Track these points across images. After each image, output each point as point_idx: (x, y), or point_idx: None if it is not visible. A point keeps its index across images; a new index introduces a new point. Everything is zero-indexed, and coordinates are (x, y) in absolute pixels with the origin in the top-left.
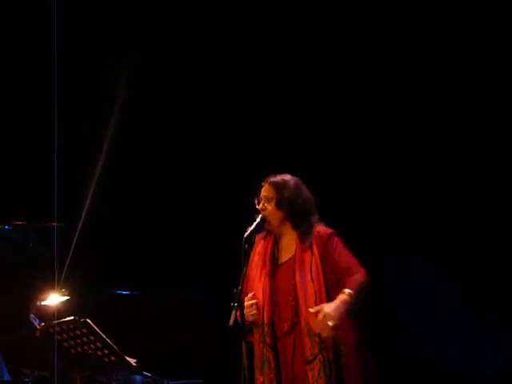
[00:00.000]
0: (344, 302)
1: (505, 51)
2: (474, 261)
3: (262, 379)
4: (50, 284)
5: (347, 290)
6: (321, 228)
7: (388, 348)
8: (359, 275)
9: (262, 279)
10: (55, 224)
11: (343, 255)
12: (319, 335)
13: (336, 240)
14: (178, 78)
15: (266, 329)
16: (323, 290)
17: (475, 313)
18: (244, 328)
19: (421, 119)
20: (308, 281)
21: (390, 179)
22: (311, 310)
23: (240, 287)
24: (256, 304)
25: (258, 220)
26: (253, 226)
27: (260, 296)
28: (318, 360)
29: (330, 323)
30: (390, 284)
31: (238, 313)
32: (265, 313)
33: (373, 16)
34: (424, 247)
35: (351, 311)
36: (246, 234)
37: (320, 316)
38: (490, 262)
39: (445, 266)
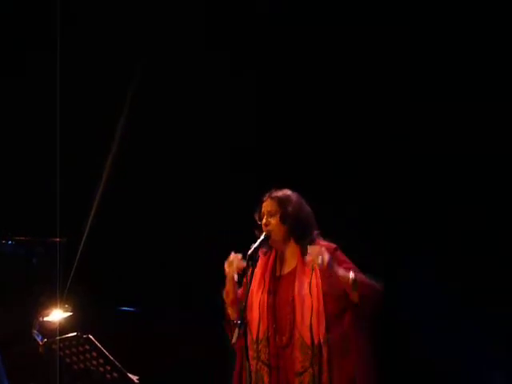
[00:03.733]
0: (343, 271)
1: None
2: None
3: None
4: (52, 300)
5: (351, 273)
6: (324, 243)
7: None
8: (373, 282)
9: (260, 294)
10: (58, 239)
11: (350, 267)
12: (312, 348)
13: (339, 255)
14: (176, 95)
15: (260, 345)
16: (321, 304)
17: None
18: (246, 345)
19: (421, 120)
20: (306, 294)
21: (390, 187)
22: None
23: (244, 304)
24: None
25: (262, 237)
26: (257, 244)
27: (256, 311)
28: (307, 373)
29: (326, 256)
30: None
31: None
32: (260, 328)
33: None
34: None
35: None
36: (250, 251)
37: (319, 248)
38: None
39: (450, 273)
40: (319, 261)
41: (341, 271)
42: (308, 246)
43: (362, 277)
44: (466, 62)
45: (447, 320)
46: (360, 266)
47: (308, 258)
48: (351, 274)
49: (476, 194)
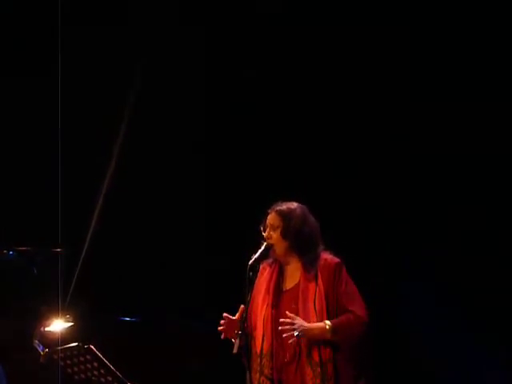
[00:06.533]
0: (320, 329)
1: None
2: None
3: None
4: (54, 310)
5: (327, 322)
6: (328, 256)
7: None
8: (354, 315)
9: (264, 308)
10: (59, 249)
11: (346, 291)
12: (321, 365)
13: (342, 272)
14: (178, 95)
15: (264, 360)
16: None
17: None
18: (248, 356)
19: (421, 120)
20: (311, 310)
21: (390, 187)
22: (288, 313)
23: (244, 315)
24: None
25: (262, 248)
26: (257, 254)
27: (260, 326)
28: None
29: (295, 332)
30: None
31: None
32: (264, 343)
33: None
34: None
35: (332, 342)
36: (251, 261)
37: (291, 321)
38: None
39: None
40: (287, 337)
41: (317, 330)
42: (280, 320)
43: (338, 322)
44: (466, 62)
45: (447, 320)
46: (360, 266)
47: (284, 335)
48: (327, 325)
49: (476, 194)
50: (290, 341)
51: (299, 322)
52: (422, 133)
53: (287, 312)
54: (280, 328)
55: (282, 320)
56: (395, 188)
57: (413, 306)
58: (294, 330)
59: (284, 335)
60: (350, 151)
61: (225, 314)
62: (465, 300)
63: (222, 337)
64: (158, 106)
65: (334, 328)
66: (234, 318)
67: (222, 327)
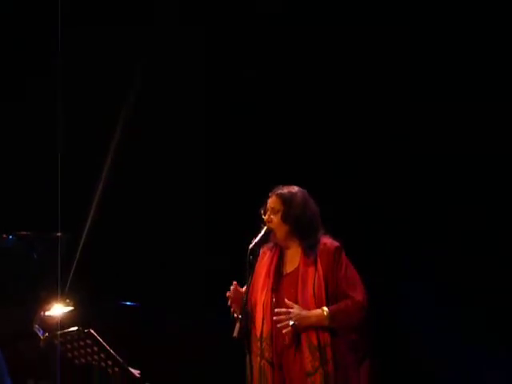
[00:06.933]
0: (317, 316)
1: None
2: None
3: None
4: (54, 294)
5: (324, 308)
6: (327, 240)
7: (390, 361)
8: (352, 301)
9: (264, 292)
10: (59, 234)
11: (346, 276)
12: (319, 349)
13: (342, 256)
14: (178, 92)
15: (264, 343)
16: (324, 305)
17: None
18: (248, 340)
19: (421, 120)
20: (310, 295)
21: (390, 187)
22: (287, 301)
23: (245, 299)
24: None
25: (262, 232)
26: (258, 238)
27: (260, 309)
28: (318, 373)
29: (291, 322)
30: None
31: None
32: (264, 327)
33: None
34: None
35: (330, 327)
36: (251, 245)
37: (287, 310)
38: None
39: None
40: (282, 328)
41: (314, 317)
42: (276, 310)
43: (336, 309)
44: (466, 62)
45: (447, 320)
46: (360, 266)
47: (278, 325)
48: (325, 311)
49: (476, 194)
50: (285, 330)
51: (296, 310)
52: (422, 133)
53: (286, 300)
54: (275, 318)
55: (277, 310)
56: (395, 188)
57: (413, 305)
58: (290, 318)
59: (278, 325)
60: (349, 152)
61: (234, 282)
62: (465, 300)
63: (229, 303)
64: (160, 97)
65: (331, 315)
66: (242, 289)
67: (229, 293)
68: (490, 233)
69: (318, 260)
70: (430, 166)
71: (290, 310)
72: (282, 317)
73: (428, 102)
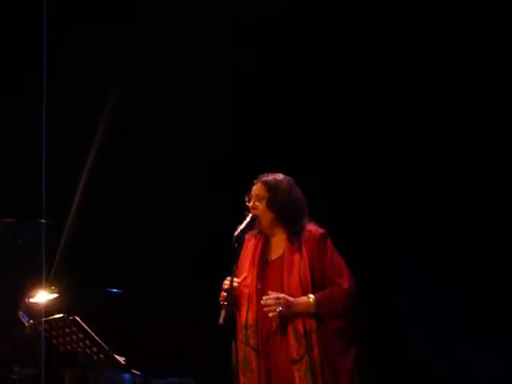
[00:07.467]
0: (303, 303)
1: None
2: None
3: (243, 380)
4: (38, 281)
5: (310, 295)
6: (312, 227)
7: (383, 349)
8: (338, 287)
9: (249, 279)
10: (44, 221)
11: (332, 262)
12: (305, 335)
13: (327, 243)
14: (172, 82)
15: (249, 330)
16: (309, 292)
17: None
18: (234, 327)
19: (421, 120)
20: (296, 282)
21: (390, 187)
22: (270, 292)
23: (230, 286)
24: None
25: (248, 219)
26: (243, 225)
27: (246, 296)
28: (304, 360)
29: (279, 308)
30: (390, 286)
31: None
32: (249, 314)
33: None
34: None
35: (316, 314)
36: (236, 232)
37: (276, 295)
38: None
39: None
40: (278, 310)
41: (301, 305)
42: (263, 298)
43: (322, 295)
44: (466, 62)
45: (447, 320)
46: (360, 266)
47: (265, 309)
48: (311, 298)
49: (476, 194)
50: (271, 314)
51: (283, 297)
52: (422, 133)
53: (270, 292)
54: (263, 303)
55: (265, 297)
56: (395, 188)
57: (413, 305)
58: (279, 304)
59: (265, 309)
60: (349, 152)
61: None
62: (465, 300)
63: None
64: (150, 88)
65: (317, 301)
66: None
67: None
68: (490, 233)
69: (303, 247)
70: (429, 165)
71: (280, 295)
72: (271, 301)
73: (428, 101)
